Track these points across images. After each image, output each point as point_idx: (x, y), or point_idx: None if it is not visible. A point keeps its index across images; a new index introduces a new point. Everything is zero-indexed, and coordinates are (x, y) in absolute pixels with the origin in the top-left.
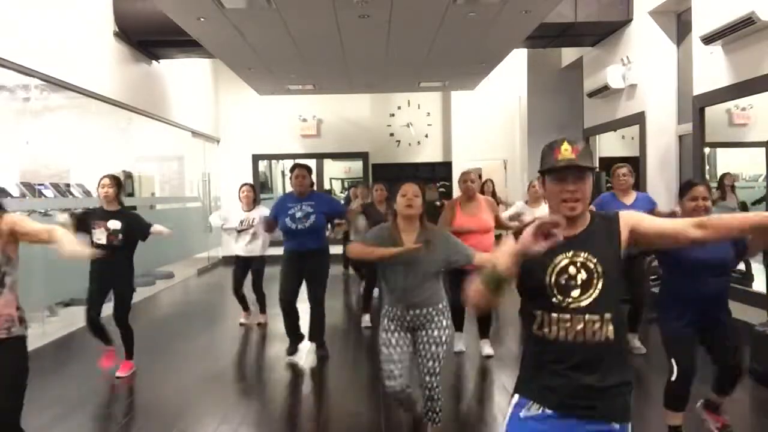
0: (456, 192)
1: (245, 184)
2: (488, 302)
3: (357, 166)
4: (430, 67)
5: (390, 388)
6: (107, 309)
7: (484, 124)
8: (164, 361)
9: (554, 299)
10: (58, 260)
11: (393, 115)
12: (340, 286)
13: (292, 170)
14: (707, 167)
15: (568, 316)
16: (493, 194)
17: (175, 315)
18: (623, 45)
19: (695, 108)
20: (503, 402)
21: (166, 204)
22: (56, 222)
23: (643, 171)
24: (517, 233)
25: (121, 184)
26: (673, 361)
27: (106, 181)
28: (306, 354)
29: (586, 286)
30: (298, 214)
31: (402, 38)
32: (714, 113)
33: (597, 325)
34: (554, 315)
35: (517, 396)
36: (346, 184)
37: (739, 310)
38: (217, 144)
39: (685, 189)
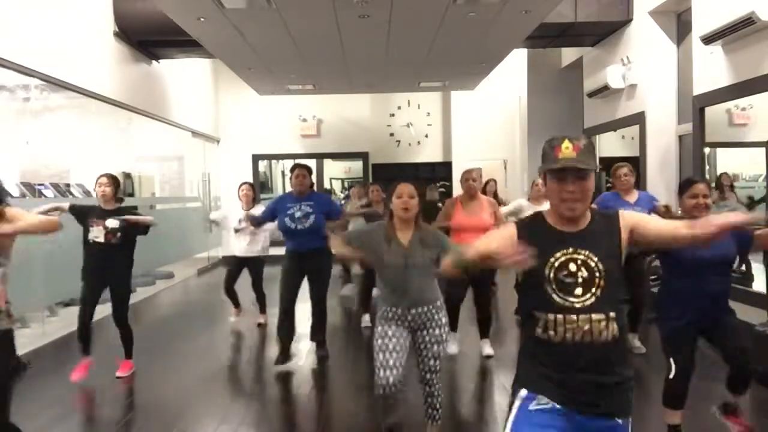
0: (456, 192)
1: (244, 183)
2: (455, 273)
3: (357, 166)
4: (430, 67)
5: (382, 380)
6: (106, 310)
7: (484, 124)
8: (164, 361)
9: (557, 298)
10: (58, 260)
11: (393, 115)
12: (340, 286)
13: (292, 170)
14: (707, 167)
15: (574, 316)
16: (495, 195)
17: (175, 315)
18: (623, 45)
19: (695, 108)
20: (503, 402)
21: (166, 204)
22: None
23: (643, 171)
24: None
25: (118, 183)
26: (671, 360)
27: (104, 180)
28: (306, 354)
29: (588, 285)
30: (298, 214)
31: (402, 38)
32: (714, 113)
33: (603, 324)
34: (560, 316)
35: (525, 390)
36: (346, 184)
37: (739, 310)
38: (217, 144)
39: (685, 186)
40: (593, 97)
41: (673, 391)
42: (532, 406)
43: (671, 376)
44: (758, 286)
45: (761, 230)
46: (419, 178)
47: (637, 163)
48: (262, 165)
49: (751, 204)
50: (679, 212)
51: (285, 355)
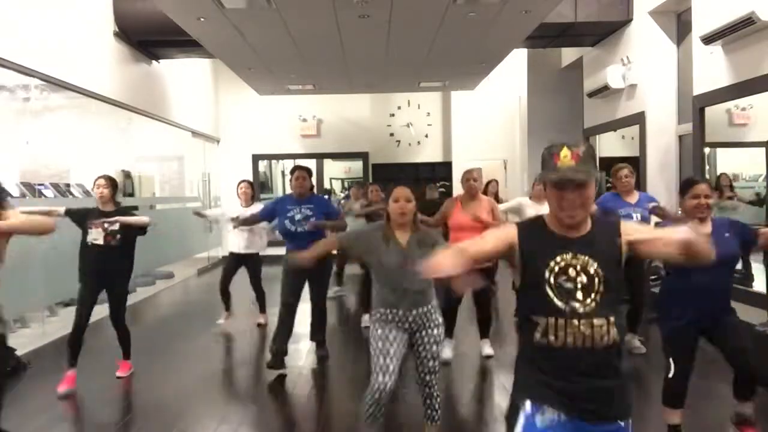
0: (456, 192)
1: (243, 181)
2: None
3: (357, 166)
4: (430, 67)
5: (380, 385)
6: (104, 311)
7: (484, 124)
8: (164, 361)
9: (559, 303)
10: (58, 260)
11: (393, 115)
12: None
13: (292, 172)
14: (707, 167)
15: (575, 321)
16: (497, 195)
17: (175, 315)
18: (623, 45)
19: (695, 108)
20: (503, 402)
21: (166, 204)
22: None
23: (643, 171)
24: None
25: (116, 184)
26: (671, 359)
27: (101, 181)
28: (306, 354)
29: (588, 290)
30: (297, 217)
31: (402, 38)
32: (714, 113)
33: (604, 329)
34: (561, 321)
35: (529, 403)
36: (346, 184)
37: (739, 310)
38: (217, 144)
39: (686, 187)
40: (593, 97)
41: (672, 390)
42: (539, 422)
43: (670, 376)
44: (758, 286)
45: (764, 229)
46: (419, 178)
47: (637, 163)
48: (262, 165)
49: (758, 202)
50: (680, 213)
51: (279, 359)
